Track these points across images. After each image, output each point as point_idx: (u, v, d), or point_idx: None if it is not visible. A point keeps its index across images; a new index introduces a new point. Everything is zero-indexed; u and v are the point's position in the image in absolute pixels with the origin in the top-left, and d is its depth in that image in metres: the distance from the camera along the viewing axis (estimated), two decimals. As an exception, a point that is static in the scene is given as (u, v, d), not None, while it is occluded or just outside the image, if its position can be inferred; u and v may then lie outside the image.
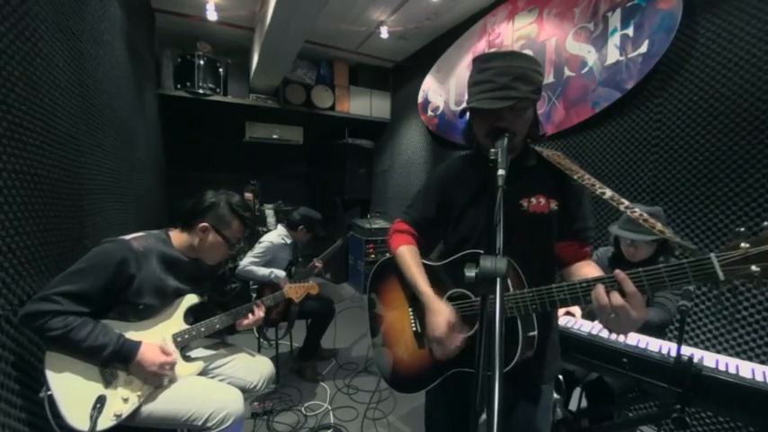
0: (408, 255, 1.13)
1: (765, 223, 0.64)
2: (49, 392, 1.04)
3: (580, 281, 0.82)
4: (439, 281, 1.09)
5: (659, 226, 0.84)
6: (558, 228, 1.04)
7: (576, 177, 0.97)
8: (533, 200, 1.01)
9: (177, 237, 1.36)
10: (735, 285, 0.58)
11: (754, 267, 0.60)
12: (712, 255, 0.65)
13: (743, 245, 0.62)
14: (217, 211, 1.35)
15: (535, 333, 0.94)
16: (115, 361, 1.13)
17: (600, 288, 0.77)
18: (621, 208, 0.90)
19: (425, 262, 1.14)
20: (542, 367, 1.05)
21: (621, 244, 1.74)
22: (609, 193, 0.93)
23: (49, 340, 1.07)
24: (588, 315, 1.68)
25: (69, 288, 1.08)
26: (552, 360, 1.07)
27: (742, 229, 0.65)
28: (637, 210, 0.89)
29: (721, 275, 0.63)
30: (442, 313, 0.99)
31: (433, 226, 1.19)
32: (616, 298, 0.74)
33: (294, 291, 1.91)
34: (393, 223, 1.24)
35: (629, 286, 0.73)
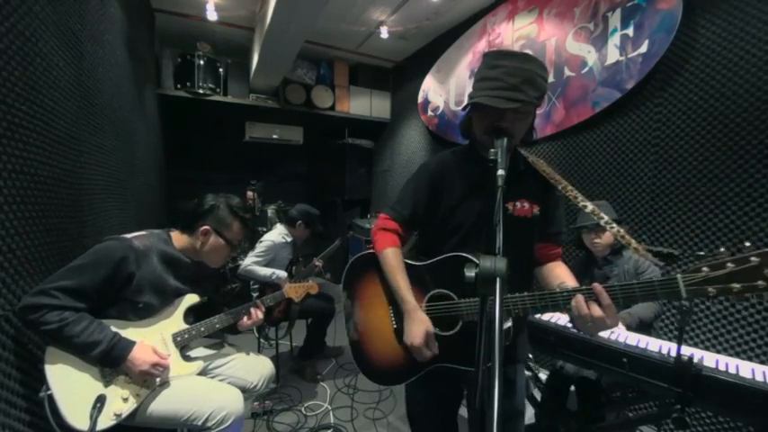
0: (393, 259, 1.11)
1: (722, 249, 0.73)
2: (49, 392, 1.04)
3: (562, 290, 0.88)
4: (421, 281, 1.09)
5: (634, 243, 0.92)
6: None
7: (560, 188, 1.02)
8: (518, 204, 1.04)
9: (178, 238, 1.37)
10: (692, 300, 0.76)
11: (710, 288, 0.72)
12: (679, 276, 0.75)
13: (704, 269, 0.72)
14: (217, 214, 1.35)
15: (510, 325, 1.00)
16: (108, 358, 1.11)
17: (580, 299, 0.83)
18: (602, 223, 0.98)
19: (407, 261, 1.13)
20: (515, 351, 1.11)
21: (585, 240, 1.82)
22: (590, 207, 0.99)
23: (43, 334, 1.07)
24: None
25: (68, 283, 1.09)
26: (522, 343, 1.15)
27: (702, 253, 0.77)
28: (615, 226, 0.96)
29: (684, 294, 0.74)
30: (421, 323, 1.02)
31: (420, 223, 1.18)
32: (595, 309, 0.81)
33: (294, 290, 1.91)
34: (378, 218, 1.21)
35: (605, 299, 0.81)
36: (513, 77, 0.89)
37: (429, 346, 1.01)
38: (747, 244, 0.71)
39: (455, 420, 1.24)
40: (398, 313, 1.14)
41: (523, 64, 0.92)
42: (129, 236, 1.25)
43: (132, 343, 1.16)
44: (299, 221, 2.68)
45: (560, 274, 1.07)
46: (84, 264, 1.13)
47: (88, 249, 1.18)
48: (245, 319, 1.46)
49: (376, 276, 1.19)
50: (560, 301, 0.87)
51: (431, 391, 1.17)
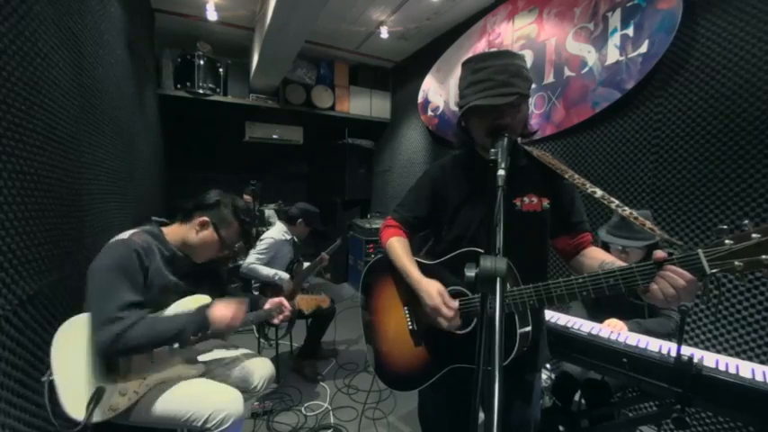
0: (398, 244, 1.15)
1: (746, 221, 0.68)
2: (52, 377, 1.05)
3: (566, 279, 0.85)
4: (435, 279, 1.09)
5: (648, 224, 0.87)
6: (555, 224, 1.07)
7: (567, 176, 1.00)
8: (526, 198, 1.03)
9: (171, 231, 1.36)
10: (719, 279, 0.65)
11: (737, 262, 0.66)
12: (700, 250, 0.70)
13: (727, 241, 0.67)
14: (221, 210, 1.36)
15: (529, 329, 0.97)
16: (198, 333, 1.20)
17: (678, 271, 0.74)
18: (612, 206, 0.93)
19: (419, 260, 1.14)
20: (535, 359, 1.08)
21: (611, 250, 1.69)
22: (599, 192, 0.95)
23: (135, 350, 1.12)
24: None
25: (122, 301, 1.10)
26: (542, 350, 1.11)
27: (725, 227, 0.69)
28: (627, 209, 0.92)
29: (708, 269, 0.69)
30: (431, 284, 1.02)
31: (423, 225, 1.20)
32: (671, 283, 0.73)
33: (305, 302, 1.90)
34: (384, 220, 1.26)
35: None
36: (502, 74, 0.91)
37: (447, 303, 0.97)
38: (746, 221, 0.68)
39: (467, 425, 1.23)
40: (414, 313, 1.15)
41: (507, 60, 0.93)
42: (126, 236, 1.23)
43: (204, 309, 1.22)
44: (300, 219, 2.68)
45: (596, 255, 1.03)
46: (117, 277, 1.13)
47: (88, 250, 1.18)
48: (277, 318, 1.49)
49: (390, 278, 1.20)
50: (576, 288, 0.84)
51: (444, 395, 1.15)
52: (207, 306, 1.22)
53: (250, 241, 3.94)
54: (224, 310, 1.23)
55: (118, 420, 1.12)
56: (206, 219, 1.34)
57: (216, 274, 1.56)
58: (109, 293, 1.10)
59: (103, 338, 1.05)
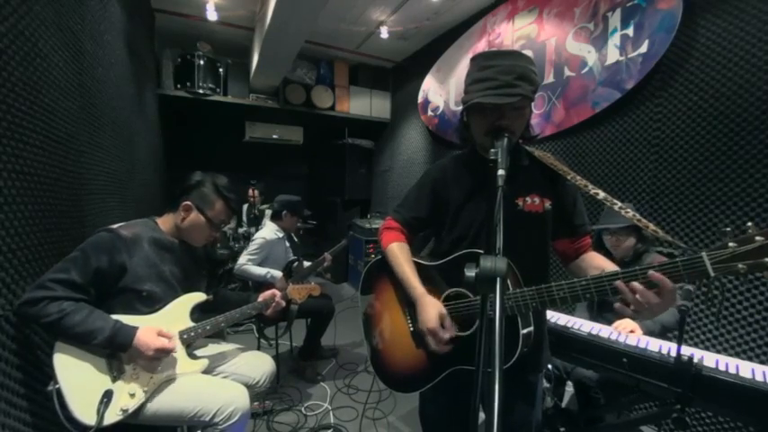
0: (399, 251, 1.14)
1: (749, 224, 0.68)
2: (57, 386, 1.05)
3: (569, 282, 0.84)
4: (435, 280, 1.09)
5: (652, 226, 0.87)
6: (557, 226, 1.06)
7: (569, 178, 0.99)
8: (528, 199, 1.03)
9: (164, 221, 1.37)
10: (722, 282, 0.65)
11: (740, 265, 0.66)
12: (704, 253, 0.69)
13: (731, 244, 0.67)
14: (201, 190, 1.35)
15: (531, 329, 0.96)
16: (112, 346, 1.11)
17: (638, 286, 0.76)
18: (615, 208, 0.93)
19: (420, 261, 1.14)
20: (537, 359, 1.08)
21: (605, 240, 1.77)
22: (602, 194, 0.95)
23: (44, 327, 1.08)
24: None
25: (63, 276, 1.09)
26: (545, 350, 1.11)
27: (728, 229, 0.69)
28: (630, 211, 0.92)
29: (711, 272, 0.68)
30: (433, 306, 1.01)
31: (423, 225, 1.20)
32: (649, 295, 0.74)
33: (297, 291, 1.92)
34: (384, 221, 1.25)
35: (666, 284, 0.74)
36: (508, 75, 0.90)
37: (445, 327, 0.98)
38: (749, 224, 0.67)
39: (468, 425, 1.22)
40: (414, 314, 1.13)
41: (515, 61, 0.93)
42: (115, 226, 1.24)
43: (134, 328, 1.14)
44: (284, 212, 2.69)
45: (596, 263, 1.02)
46: (77, 256, 1.13)
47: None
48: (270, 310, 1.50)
49: (388, 280, 1.19)
50: (579, 289, 0.83)
51: (445, 395, 1.14)
52: (136, 328, 1.14)
53: (241, 217, 3.97)
54: (151, 341, 1.14)
55: (127, 420, 1.12)
56: (188, 203, 1.34)
57: (217, 276, 1.57)
58: (59, 267, 1.10)
59: (25, 298, 1.04)
